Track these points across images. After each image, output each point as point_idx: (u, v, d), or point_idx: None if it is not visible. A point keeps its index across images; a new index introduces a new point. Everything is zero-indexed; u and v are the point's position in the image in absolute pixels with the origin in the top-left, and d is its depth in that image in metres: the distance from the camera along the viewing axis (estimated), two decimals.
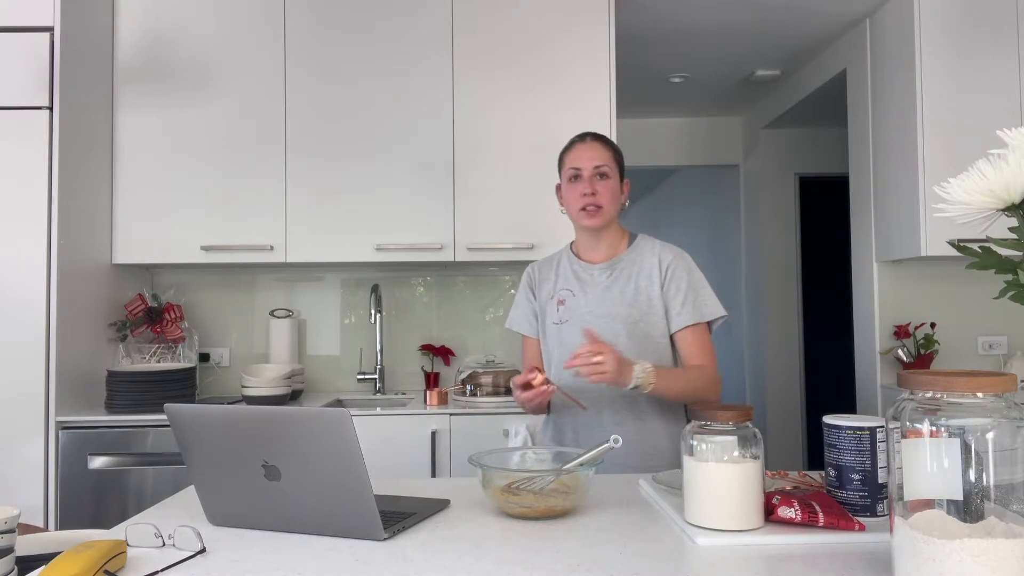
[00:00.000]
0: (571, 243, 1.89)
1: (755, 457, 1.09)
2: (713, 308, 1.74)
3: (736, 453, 1.09)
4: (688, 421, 1.17)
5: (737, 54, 3.82)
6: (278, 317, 3.02)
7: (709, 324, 1.76)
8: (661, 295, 1.74)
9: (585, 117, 2.84)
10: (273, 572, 0.96)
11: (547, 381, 1.54)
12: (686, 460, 1.11)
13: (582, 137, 1.81)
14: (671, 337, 1.75)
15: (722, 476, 1.07)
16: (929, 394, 0.82)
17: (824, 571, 0.92)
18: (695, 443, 1.11)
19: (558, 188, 1.83)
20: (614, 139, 2.83)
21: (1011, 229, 0.86)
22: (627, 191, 1.83)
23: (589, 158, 1.75)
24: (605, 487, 1.39)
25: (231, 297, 3.14)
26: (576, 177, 1.75)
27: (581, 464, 1.21)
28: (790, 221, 4.74)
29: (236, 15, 2.84)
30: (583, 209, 1.74)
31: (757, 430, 1.11)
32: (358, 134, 2.83)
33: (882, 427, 1.13)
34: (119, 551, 0.97)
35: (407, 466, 2.47)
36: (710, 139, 5.01)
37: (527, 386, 1.54)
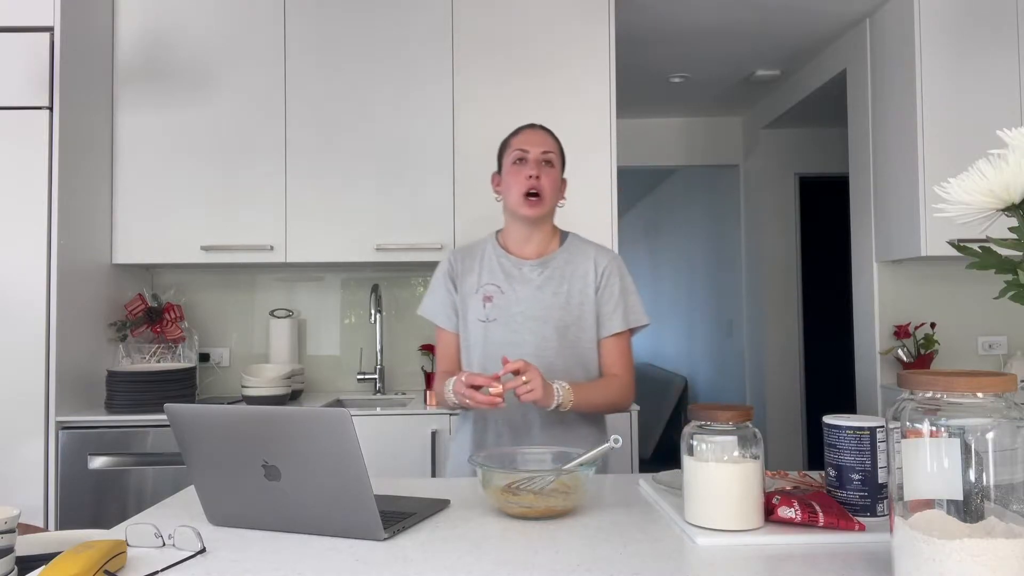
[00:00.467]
0: (496, 233, 1.83)
1: (755, 457, 1.08)
2: (639, 315, 1.75)
3: (736, 453, 1.09)
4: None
5: (737, 54, 3.82)
6: (278, 317, 3.02)
7: (632, 329, 1.77)
8: (595, 300, 1.73)
9: (585, 117, 2.84)
10: (273, 572, 0.96)
11: (502, 395, 1.47)
12: (686, 460, 1.11)
13: (531, 125, 1.78)
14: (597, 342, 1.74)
15: (722, 476, 1.07)
16: (929, 394, 0.82)
17: (824, 571, 0.92)
18: (695, 443, 1.11)
19: (495, 176, 1.80)
20: (614, 139, 2.84)
21: (1011, 229, 0.86)
22: (564, 189, 1.79)
23: (537, 143, 1.72)
24: (605, 487, 1.39)
25: (231, 297, 3.14)
26: (522, 160, 1.71)
27: (581, 464, 1.21)
28: (790, 221, 4.74)
29: (236, 15, 2.84)
30: (526, 195, 1.68)
31: (757, 430, 1.11)
32: (358, 134, 2.83)
33: (882, 427, 1.13)
34: (119, 551, 0.97)
35: (407, 466, 2.47)
36: (710, 139, 5.01)
37: (476, 386, 1.48)
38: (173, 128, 2.81)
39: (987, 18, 2.95)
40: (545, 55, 2.86)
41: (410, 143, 2.83)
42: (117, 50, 2.81)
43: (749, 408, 1.11)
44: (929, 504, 0.82)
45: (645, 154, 5.00)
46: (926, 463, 0.81)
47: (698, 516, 1.09)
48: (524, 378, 1.47)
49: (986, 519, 0.79)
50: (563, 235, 1.81)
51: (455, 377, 1.56)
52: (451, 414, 2.50)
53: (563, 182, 1.78)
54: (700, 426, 1.12)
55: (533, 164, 1.70)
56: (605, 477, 1.47)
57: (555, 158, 1.73)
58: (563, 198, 1.78)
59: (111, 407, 2.52)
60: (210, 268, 3.08)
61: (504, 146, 1.78)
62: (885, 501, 1.13)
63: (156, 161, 2.80)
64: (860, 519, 1.08)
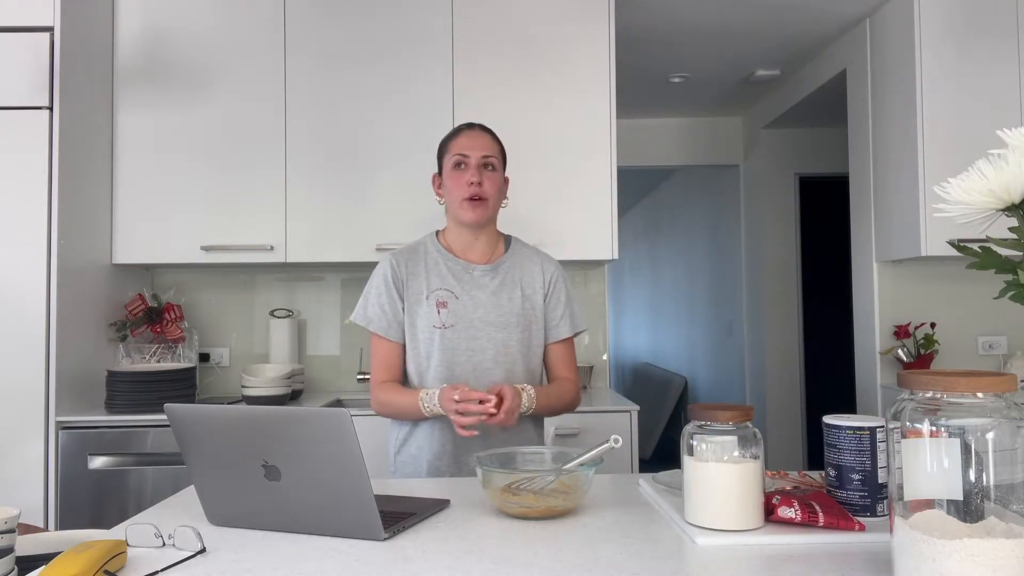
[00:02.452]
0: (436, 234, 1.80)
1: (755, 457, 1.08)
2: (582, 320, 1.80)
3: (736, 453, 1.09)
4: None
5: (737, 54, 3.82)
6: (278, 317, 3.02)
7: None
8: (543, 306, 1.75)
9: (585, 117, 2.84)
10: (273, 572, 0.96)
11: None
12: (686, 460, 1.11)
13: (469, 125, 1.74)
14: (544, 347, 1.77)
15: (722, 476, 1.07)
16: (929, 394, 0.82)
17: (824, 571, 0.92)
18: (695, 443, 1.11)
19: (435, 177, 1.76)
20: (614, 139, 2.84)
21: (1011, 229, 0.86)
22: (507, 188, 1.78)
23: (478, 147, 1.68)
24: (605, 487, 1.39)
25: (231, 297, 3.14)
26: (462, 165, 1.68)
27: (581, 464, 1.21)
28: (790, 221, 4.74)
29: (236, 15, 2.84)
30: (468, 199, 1.66)
31: (757, 430, 1.11)
32: (358, 134, 2.83)
33: (882, 427, 1.13)
34: (119, 551, 0.97)
35: None
36: (710, 139, 5.01)
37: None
38: (173, 128, 2.81)
39: (987, 18, 2.95)
40: (545, 55, 2.86)
41: (410, 142, 2.83)
42: (117, 50, 2.81)
43: (749, 408, 1.11)
44: (929, 504, 0.82)
45: (645, 154, 5.00)
46: (926, 463, 0.81)
47: (698, 516, 1.09)
48: (496, 407, 1.51)
49: (986, 519, 0.79)
50: (507, 239, 1.81)
51: (443, 389, 1.57)
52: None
53: (505, 181, 1.77)
54: (700, 426, 1.12)
55: (474, 169, 1.67)
56: (605, 477, 1.47)
57: (496, 161, 1.71)
58: (505, 198, 1.77)
59: (111, 407, 2.52)
60: (210, 268, 3.08)
61: (443, 148, 1.74)
62: (885, 501, 1.13)
63: (156, 161, 2.80)
64: (860, 519, 1.08)
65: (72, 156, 2.52)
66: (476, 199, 1.66)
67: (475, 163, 1.67)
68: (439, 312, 1.68)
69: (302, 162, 2.82)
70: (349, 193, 2.82)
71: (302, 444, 1.07)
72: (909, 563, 0.80)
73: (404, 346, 1.73)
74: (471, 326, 1.69)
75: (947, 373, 0.83)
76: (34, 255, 2.41)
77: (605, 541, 1.06)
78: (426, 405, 1.60)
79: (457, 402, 1.51)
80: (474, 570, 0.95)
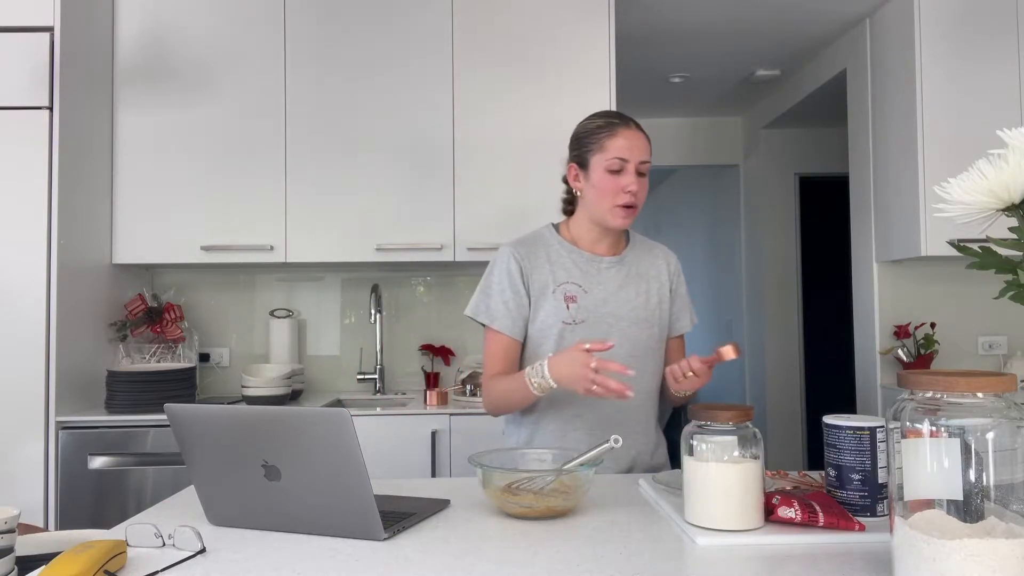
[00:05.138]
0: (555, 227, 1.69)
1: (755, 457, 1.09)
2: (693, 315, 1.75)
3: (736, 453, 1.09)
4: (689, 422, 1.16)
5: (737, 54, 3.82)
6: (278, 317, 3.02)
7: None
8: (668, 299, 1.69)
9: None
10: (273, 572, 0.96)
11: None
12: (686, 460, 1.11)
13: (625, 121, 1.60)
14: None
15: (722, 476, 1.07)
16: (929, 394, 0.82)
17: (824, 571, 0.92)
18: (695, 443, 1.11)
19: (572, 168, 1.63)
20: None
21: (1011, 229, 0.86)
22: None
23: (638, 150, 1.56)
24: (605, 487, 1.39)
25: (231, 297, 3.14)
26: (621, 170, 1.55)
27: (581, 464, 1.21)
28: (790, 221, 4.74)
29: (236, 15, 2.84)
30: (623, 206, 1.56)
31: (757, 430, 1.11)
32: (358, 134, 2.83)
33: (882, 427, 1.13)
34: (119, 551, 0.97)
35: (407, 466, 2.47)
36: (710, 139, 5.01)
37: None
38: (173, 128, 2.81)
39: (987, 18, 2.95)
40: (545, 55, 2.86)
41: (410, 142, 2.83)
42: (117, 50, 2.81)
43: (749, 408, 1.11)
44: (929, 504, 0.82)
45: None
46: (926, 463, 0.81)
47: (698, 516, 1.09)
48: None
49: (986, 519, 0.79)
50: (626, 231, 1.72)
51: (570, 350, 1.39)
52: (452, 415, 2.50)
53: None
54: (700, 426, 1.12)
55: (633, 176, 1.56)
56: (605, 477, 1.47)
57: (648, 165, 1.60)
58: None
59: (111, 407, 2.52)
60: (210, 268, 3.08)
61: (594, 141, 1.58)
62: (885, 501, 1.13)
63: (156, 161, 2.80)
64: (860, 519, 1.08)
65: (72, 156, 2.52)
66: (630, 207, 1.57)
67: (634, 169, 1.56)
68: (568, 307, 1.58)
69: (302, 162, 2.82)
70: (349, 193, 2.82)
71: (302, 444, 1.07)
72: (909, 563, 0.80)
73: (523, 343, 1.62)
74: (603, 321, 1.59)
75: (947, 373, 0.83)
76: (34, 255, 2.41)
77: (605, 541, 1.06)
78: (533, 380, 1.43)
79: (595, 370, 1.33)
80: (474, 570, 0.95)
